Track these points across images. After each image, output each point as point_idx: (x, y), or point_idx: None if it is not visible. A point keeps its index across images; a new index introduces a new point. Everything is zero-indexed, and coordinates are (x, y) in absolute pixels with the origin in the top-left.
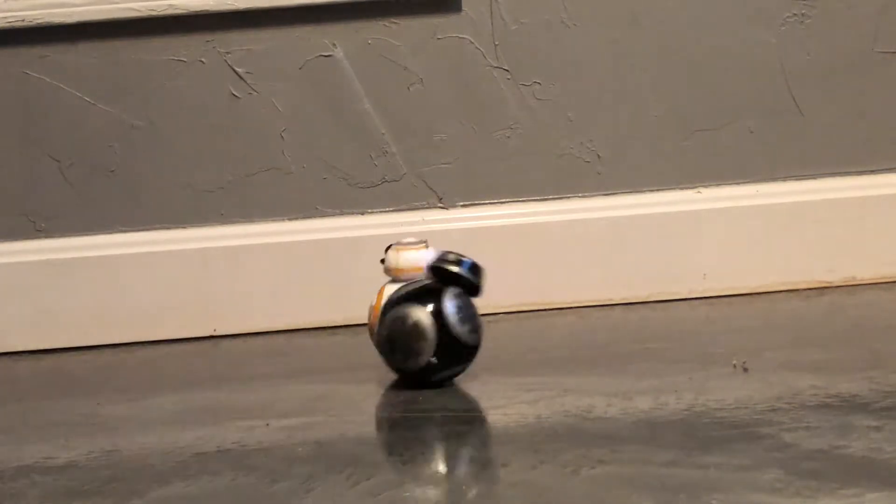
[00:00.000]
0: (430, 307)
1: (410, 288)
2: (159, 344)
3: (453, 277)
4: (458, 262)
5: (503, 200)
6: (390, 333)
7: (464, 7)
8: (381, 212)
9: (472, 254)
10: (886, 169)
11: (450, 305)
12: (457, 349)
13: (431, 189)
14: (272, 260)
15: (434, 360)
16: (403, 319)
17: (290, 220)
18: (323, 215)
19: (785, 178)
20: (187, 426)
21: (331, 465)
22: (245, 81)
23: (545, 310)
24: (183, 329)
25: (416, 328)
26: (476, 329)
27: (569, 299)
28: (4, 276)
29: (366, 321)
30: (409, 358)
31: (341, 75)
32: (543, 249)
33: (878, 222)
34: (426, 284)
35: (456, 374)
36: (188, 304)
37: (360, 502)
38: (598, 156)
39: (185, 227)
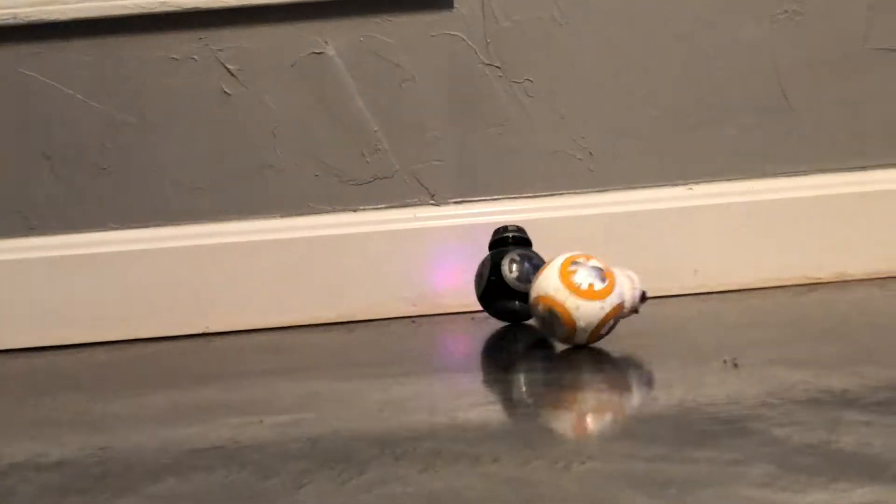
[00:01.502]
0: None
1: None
2: (152, 341)
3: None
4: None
5: (495, 197)
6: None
7: (456, 4)
8: (373, 209)
9: (465, 251)
10: (877, 165)
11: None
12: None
13: (424, 186)
14: (265, 257)
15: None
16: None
17: (282, 217)
18: (315, 212)
19: (776, 175)
20: (180, 423)
21: (323, 461)
22: (237, 79)
23: None
24: (176, 326)
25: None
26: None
27: None
28: None
29: (359, 318)
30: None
31: (333, 72)
32: (536, 246)
33: (868, 219)
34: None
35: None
36: (180, 301)
37: (352, 498)
38: (590, 153)
39: (177, 225)
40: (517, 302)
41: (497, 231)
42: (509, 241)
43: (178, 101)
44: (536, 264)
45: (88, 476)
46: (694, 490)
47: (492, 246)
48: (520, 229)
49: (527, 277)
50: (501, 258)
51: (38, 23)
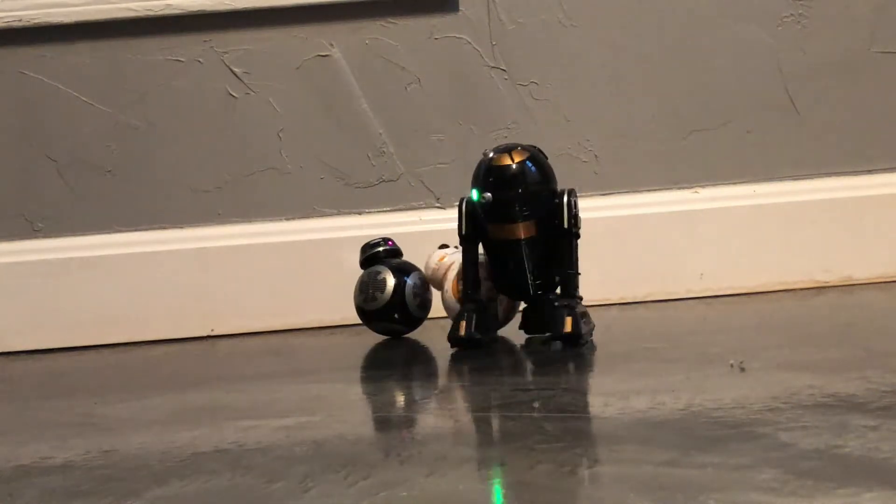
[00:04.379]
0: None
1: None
2: (157, 344)
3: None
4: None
5: None
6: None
7: (461, 7)
8: (378, 211)
9: None
10: (883, 169)
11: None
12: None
13: (429, 189)
14: (270, 260)
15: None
16: (378, 273)
17: (287, 219)
18: (320, 215)
19: (782, 179)
20: (185, 426)
21: (328, 464)
22: (242, 81)
23: None
24: (180, 329)
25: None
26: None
27: None
28: (2, 277)
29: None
30: (367, 301)
31: (339, 75)
32: None
33: (874, 222)
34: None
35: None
36: (186, 304)
37: (357, 502)
38: (596, 156)
39: (182, 227)
40: (401, 325)
41: (370, 246)
42: (381, 255)
43: (184, 104)
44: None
45: (93, 479)
46: (700, 495)
47: (368, 261)
48: (387, 240)
49: (423, 304)
50: (403, 282)
51: (42, 25)
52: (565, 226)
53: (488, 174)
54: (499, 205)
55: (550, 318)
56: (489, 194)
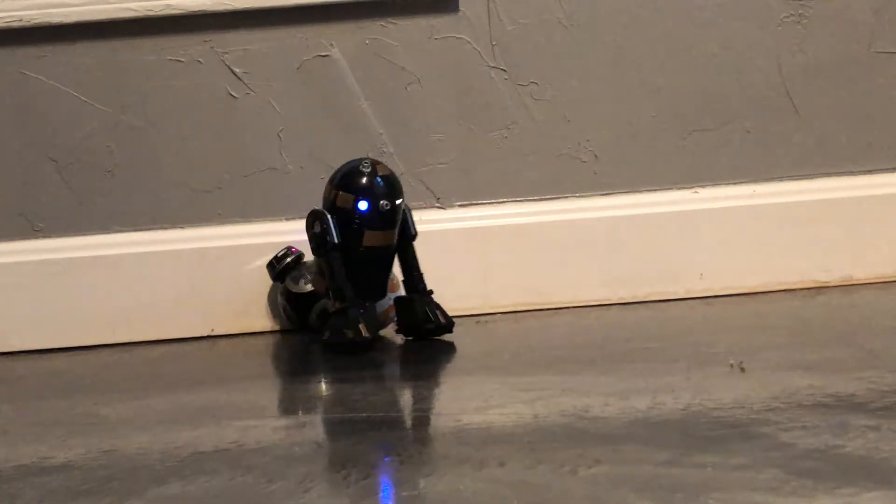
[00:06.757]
0: None
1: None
2: (157, 344)
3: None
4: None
5: (501, 200)
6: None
7: (461, 7)
8: None
9: (470, 254)
10: (883, 169)
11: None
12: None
13: (429, 189)
14: (270, 260)
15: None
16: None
17: (287, 219)
18: None
19: (782, 179)
20: (185, 426)
21: (328, 464)
22: (242, 81)
23: (542, 309)
24: (181, 329)
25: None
26: None
27: (566, 299)
28: (2, 276)
29: None
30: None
31: (339, 75)
32: (541, 249)
33: (874, 222)
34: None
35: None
36: (186, 304)
37: (357, 502)
38: (595, 156)
39: (182, 227)
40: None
41: (278, 259)
42: (292, 264)
43: (184, 104)
44: None
45: (94, 479)
46: (700, 495)
47: (282, 273)
48: (290, 248)
49: None
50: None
51: (43, 25)
52: (413, 232)
53: (383, 183)
54: (388, 212)
55: (430, 313)
56: (386, 202)
